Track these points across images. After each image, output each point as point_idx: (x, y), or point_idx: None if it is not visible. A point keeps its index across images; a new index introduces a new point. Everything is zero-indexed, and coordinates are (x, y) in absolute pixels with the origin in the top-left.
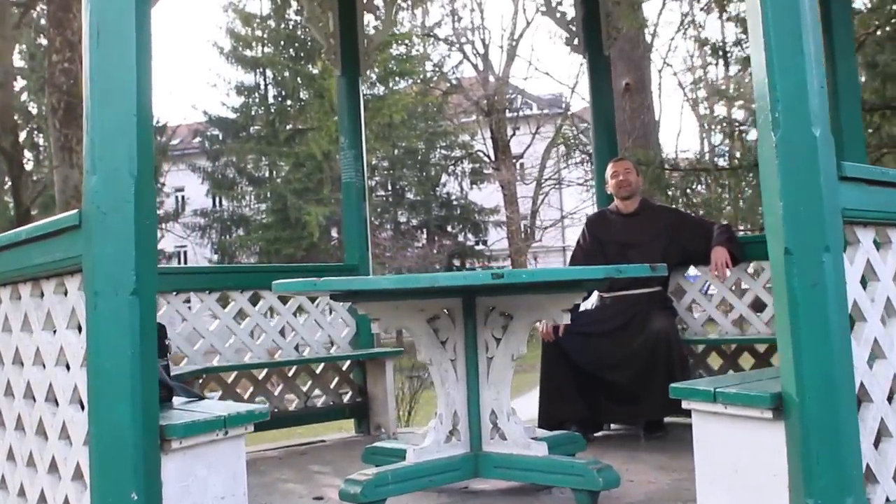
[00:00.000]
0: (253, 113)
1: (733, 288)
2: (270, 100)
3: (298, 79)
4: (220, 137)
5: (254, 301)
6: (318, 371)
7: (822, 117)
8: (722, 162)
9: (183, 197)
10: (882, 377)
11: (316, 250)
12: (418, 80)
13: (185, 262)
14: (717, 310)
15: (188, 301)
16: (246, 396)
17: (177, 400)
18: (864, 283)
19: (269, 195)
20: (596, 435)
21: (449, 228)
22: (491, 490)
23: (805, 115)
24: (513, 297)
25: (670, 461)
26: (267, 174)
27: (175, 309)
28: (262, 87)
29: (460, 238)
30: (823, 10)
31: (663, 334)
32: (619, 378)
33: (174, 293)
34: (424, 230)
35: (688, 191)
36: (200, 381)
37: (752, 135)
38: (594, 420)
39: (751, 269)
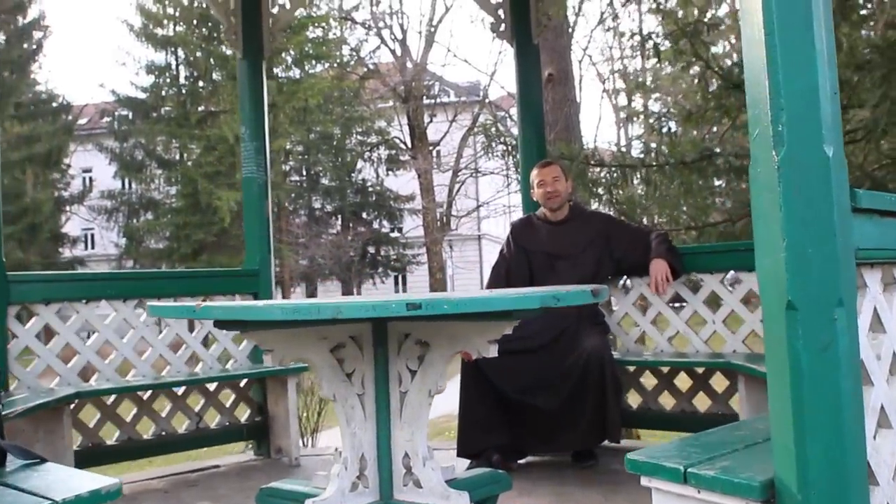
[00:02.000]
0: (163, 93)
1: (676, 305)
2: (182, 80)
3: (211, 59)
4: (129, 118)
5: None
6: (211, 389)
7: (836, 132)
8: (636, 153)
9: (90, 178)
10: (887, 452)
11: (227, 236)
12: (335, 64)
13: (93, 247)
14: (652, 325)
15: (60, 312)
16: (129, 419)
17: (10, 463)
18: None
19: (179, 178)
20: (520, 462)
21: (364, 215)
22: None
23: (816, 128)
24: (431, 324)
25: (605, 501)
26: (177, 157)
27: (45, 322)
28: (174, 66)
29: (375, 225)
30: None
31: (595, 354)
32: (546, 403)
33: (44, 303)
34: (339, 216)
35: (611, 189)
36: (72, 405)
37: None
38: (517, 448)
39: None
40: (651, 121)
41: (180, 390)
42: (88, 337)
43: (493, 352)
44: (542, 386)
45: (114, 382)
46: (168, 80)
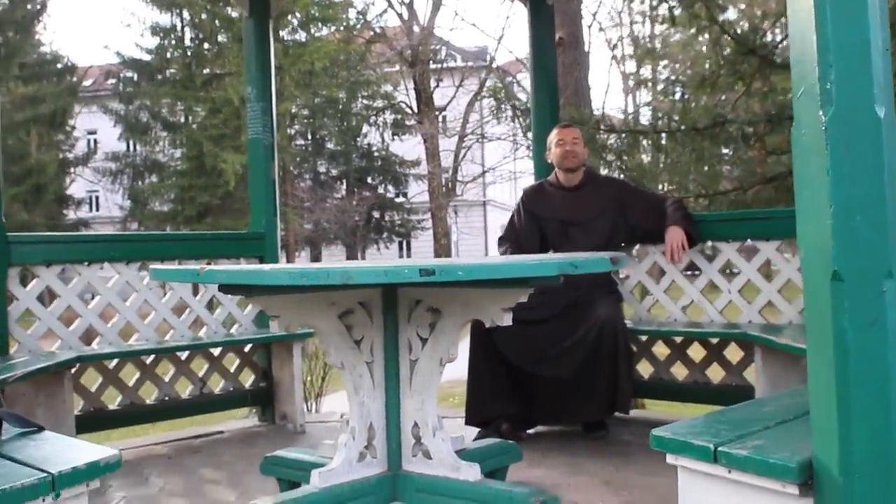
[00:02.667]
0: (168, 55)
1: (689, 273)
2: (187, 42)
3: (216, 21)
4: (135, 80)
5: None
6: (216, 354)
7: (888, 91)
8: (646, 121)
9: (95, 140)
10: None
11: (232, 199)
12: (341, 28)
13: (97, 209)
14: (665, 294)
15: (61, 274)
16: (131, 384)
17: (6, 432)
18: None
19: (184, 141)
20: (529, 432)
21: (369, 180)
22: None
23: (867, 86)
24: (444, 290)
25: (617, 474)
26: (182, 119)
27: (46, 284)
28: (179, 28)
29: (380, 190)
30: None
31: (609, 323)
32: (557, 374)
33: (45, 265)
34: (344, 181)
35: (621, 155)
36: (74, 369)
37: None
38: (527, 417)
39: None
40: (662, 87)
41: (184, 355)
42: (91, 300)
43: (507, 320)
44: (552, 356)
45: (116, 346)
46: (173, 42)
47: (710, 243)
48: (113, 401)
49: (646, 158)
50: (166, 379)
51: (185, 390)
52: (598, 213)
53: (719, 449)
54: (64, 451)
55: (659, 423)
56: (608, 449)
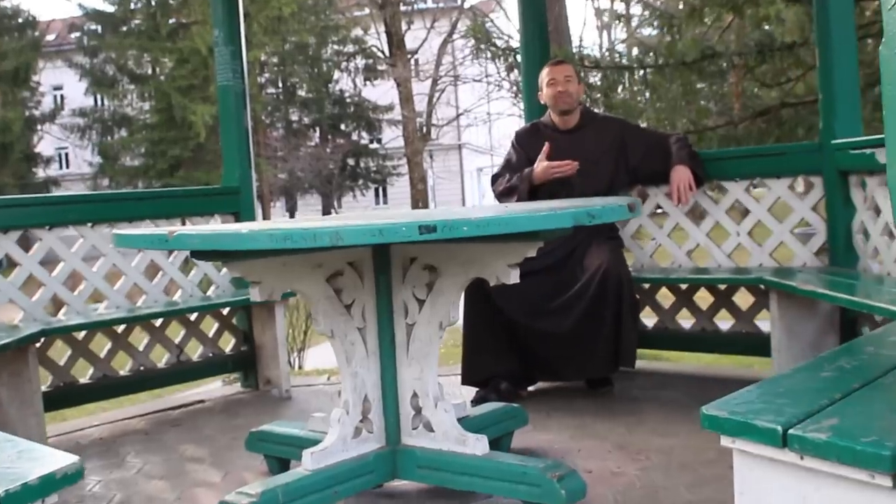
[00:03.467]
0: (132, 6)
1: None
2: None
3: None
4: (99, 32)
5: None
6: (192, 318)
7: None
8: (622, 58)
9: (61, 96)
10: None
11: (203, 151)
12: None
13: (67, 166)
14: (669, 238)
15: (20, 240)
16: (103, 355)
17: None
18: None
19: (152, 93)
20: (529, 389)
21: (343, 127)
22: (413, 491)
23: None
24: (441, 247)
25: (628, 435)
26: (149, 71)
27: (5, 252)
28: None
29: (354, 137)
30: None
31: (612, 272)
32: (557, 327)
33: (2, 231)
34: (317, 129)
35: (607, 92)
36: (39, 344)
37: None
38: (526, 374)
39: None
40: (639, 21)
41: (158, 321)
42: (55, 266)
43: (514, 277)
44: (552, 309)
45: (84, 316)
46: None
47: (715, 182)
48: (84, 374)
49: (633, 95)
50: (140, 348)
51: (162, 359)
52: (598, 156)
53: (790, 432)
54: (13, 461)
55: (667, 376)
56: (616, 407)
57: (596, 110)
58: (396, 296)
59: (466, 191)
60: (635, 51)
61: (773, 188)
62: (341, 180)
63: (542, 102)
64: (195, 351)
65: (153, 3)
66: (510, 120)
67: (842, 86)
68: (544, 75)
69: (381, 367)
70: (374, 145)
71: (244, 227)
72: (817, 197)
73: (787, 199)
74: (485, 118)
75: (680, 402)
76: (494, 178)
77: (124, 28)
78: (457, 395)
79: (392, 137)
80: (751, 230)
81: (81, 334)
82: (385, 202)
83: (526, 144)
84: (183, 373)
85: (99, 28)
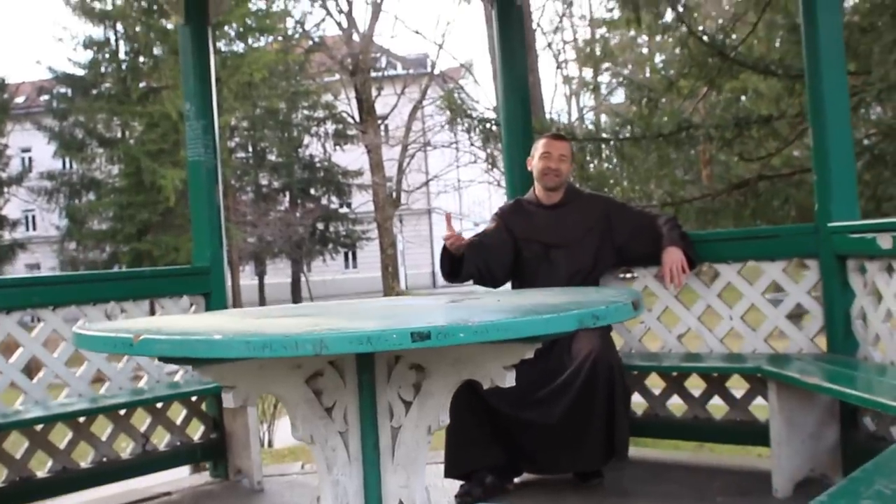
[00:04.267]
0: (103, 70)
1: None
2: (122, 55)
3: (151, 33)
4: (68, 95)
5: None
6: (159, 405)
7: None
8: (591, 125)
9: (29, 158)
10: None
11: (172, 215)
12: (279, 38)
13: (34, 229)
14: (658, 322)
15: None
16: (62, 446)
17: None
18: None
19: (121, 157)
20: (515, 481)
21: (312, 191)
22: None
23: None
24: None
25: None
26: (119, 135)
27: None
28: (113, 41)
29: (324, 201)
30: None
31: (602, 359)
32: (545, 417)
33: None
34: (287, 193)
35: (582, 165)
36: None
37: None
38: (513, 466)
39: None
40: (608, 91)
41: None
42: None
43: (509, 380)
44: (539, 398)
45: (43, 407)
46: (107, 56)
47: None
48: (42, 467)
49: (608, 166)
50: (103, 438)
51: (126, 449)
52: (582, 235)
53: None
54: None
55: (660, 466)
56: (607, 501)
57: (580, 187)
58: (381, 397)
59: (436, 256)
60: (604, 118)
61: (767, 271)
62: (311, 245)
63: (529, 169)
64: (162, 439)
65: (123, 67)
66: (481, 187)
67: (837, 166)
68: (540, 146)
69: (364, 473)
70: (344, 210)
71: (217, 329)
72: (813, 281)
73: (781, 282)
74: (455, 184)
75: (676, 497)
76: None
77: (94, 91)
78: (440, 487)
79: (362, 202)
80: (744, 314)
81: (40, 425)
82: (355, 266)
83: (508, 218)
84: (149, 463)
85: (69, 91)
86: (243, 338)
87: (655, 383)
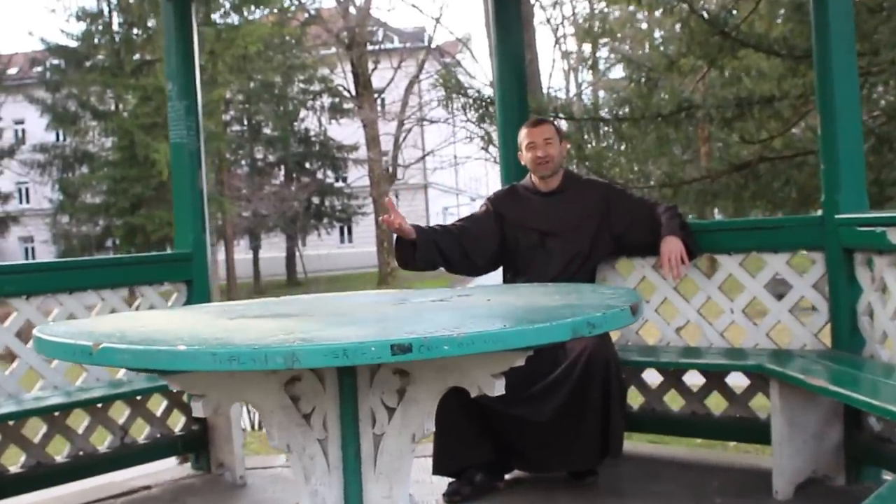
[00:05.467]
0: (96, 41)
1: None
2: (115, 27)
3: (145, 5)
4: (61, 67)
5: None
6: (138, 396)
7: None
8: (588, 101)
9: (22, 130)
10: None
11: (165, 189)
12: (275, 10)
13: (28, 202)
14: (656, 314)
15: None
16: (37, 440)
17: None
18: None
19: (114, 130)
20: (507, 478)
21: (308, 165)
22: None
23: None
24: None
25: None
26: (112, 108)
27: None
28: (106, 13)
29: (319, 175)
30: None
31: (598, 354)
32: (537, 414)
33: None
34: (282, 167)
35: (581, 145)
36: None
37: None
38: (503, 464)
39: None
40: (606, 66)
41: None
42: None
43: (498, 388)
44: (531, 394)
45: (17, 402)
46: (101, 28)
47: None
48: (16, 462)
49: (605, 146)
50: (80, 431)
51: (104, 442)
52: (579, 222)
53: None
54: None
55: (657, 463)
56: (602, 501)
57: (577, 171)
58: (363, 402)
59: None
60: (602, 94)
61: (770, 263)
62: (306, 219)
63: (523, 163)
64: (141, 432)
65: (117, 39)
66: (478, 163)
67: (846, 155)
68: (523, 136)
69: (344, 483)
70: (340, 184)
71: (185, 335)
72: (819, 274)
73: (785, 275)
74: (451, 160)
75: (674, 497)
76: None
77: (87, 63)
78: (428, 483)
79: (358, 176)
80: (745, 307)
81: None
82: (350, 241)
83: (500, 204)
84: (128, 457)
85: (62, 63)
86: (209, 349)
87: (653, 377)
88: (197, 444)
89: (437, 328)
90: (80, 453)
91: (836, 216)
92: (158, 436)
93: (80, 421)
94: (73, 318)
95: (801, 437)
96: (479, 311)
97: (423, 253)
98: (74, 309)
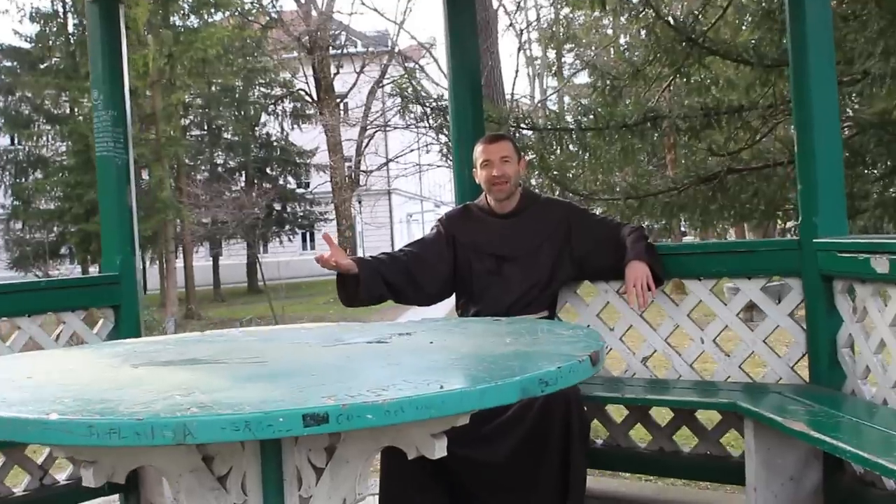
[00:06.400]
0: (51, 43)
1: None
2: (70, 28)
3: None
4: (15, 69)
5: None
6: None
7: None
8: (553, 105)
9: None
10: None
11: None
12: (235, 13)
13: None
14: (621, 342)
15: None
16: None
17: None
18: None
19: (69, 134)
20: None
21: (269, 171)
22: None
23: None
24: None
25: None
26: (67, 111)
27: None
28: (61, 14)
29: (280, 181)
30: None
31: (557, 392)
32: (491, 455)
33: None
34: (243, 173)
35: (543, 155)
36: None
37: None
38: None
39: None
40: (571, 72)
41: None
42: None
43: (439, 450)
44: (484, 434)
45: None
46: (55, 29)
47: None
48: None
49: (569, 157)
50: None
51: (20, 484)
52: (538, 244)
53: None
54: None
55: (620, 501)
56: None
57: (540, 193)
58: (287, 461)
59: (396, 237)
60: (567, 100)
61: (743, 289)
62: (267, 226)
63: (477, 181)
64: (63, 471)
65: (72, 41)
66: (441, 170)
67: (825, 175)
68: (478, 154)
69: None
70: (301, 190)
71: (65, 398)
72: (795, 302)
73: (759, 302)
74: (415, 167)
75: None
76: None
77: (42, 66)
78: None
79: (320, 183)
80: (716, 337)
81: None
82: (312, 248)
83: (453, 226)
84: (47, 499)
85: (15, 65)
86: (85, 420)
87: (618, 412)
88: (125, 485)
89: (361, 388)
90: None
91: (815, 240)
92: (81, 476)
93: None
94: None
95: (777, 481)
96: (417, 359)
97: (368, 288)
98: None
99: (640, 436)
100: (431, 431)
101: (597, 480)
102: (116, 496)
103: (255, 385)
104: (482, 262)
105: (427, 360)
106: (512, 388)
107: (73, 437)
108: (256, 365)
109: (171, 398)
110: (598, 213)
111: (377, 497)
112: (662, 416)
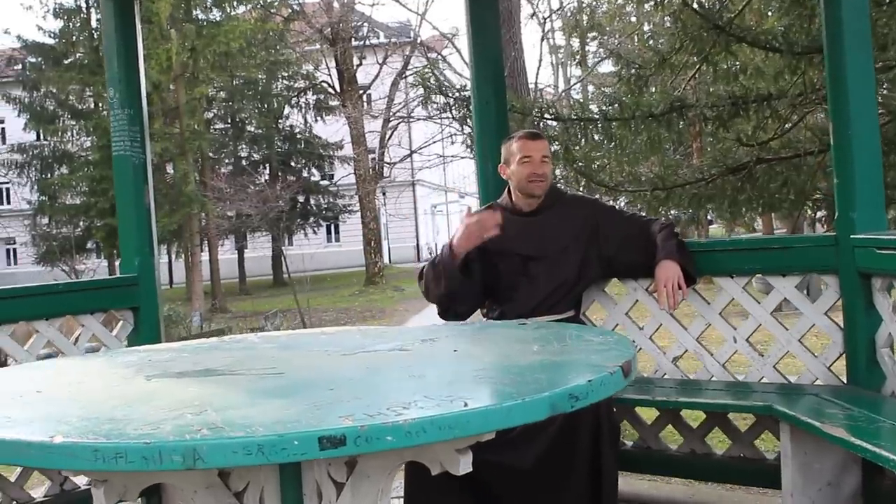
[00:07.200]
0: (74, 38)
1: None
2: (94, 24)
3: None
4: (39, 65)
5: None
6: None
7: None
8: (577, 94)
9: (2, 130)
10: None
11: None
12: (257, 6)
13: (8, 202)
14: (651, 342)
15: None
16: None
17: None
18: None
19: (94, 129)
20: None
21: (293, 164)
22: None
23: None
24: None
25: None
26: (91, 106)
27: None
28: (84, 9)
29: (304, 174)
30: None
31: None
32: (519, 460)
33: None
34: (267, 166)
35: (568, 146)
36: None
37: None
38: None
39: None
40: (596, 60)
41: None
42: None
43: (464, 465)
44: (512, 438)
45: None
46: (78, 24)
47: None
48: None
49: (595, 147)
50: (12, 479)
51: (41, 490)
52: (565, 243)
53: None
54: None
55: None
56: None
57: (565, 190)
58: (307, 475)
59: (420, 229)
60: (591, 89)
61: (777, 287)
62: (291, 219)
63: (506, 178)
64: (82, 477)
65: (96, 35)
66: (465, 161)
67: (862, 168)
68: (516, 149)
69: None
70: (325, 182)
71: (72, 416)
72: (832, 300)
73: (794, 300)
74: (439, 158)
75: None
76: (433, 265)
77: (66, 61)
78: None
79: (344, 175)
80: (749, 336)
81: None
82: (337, 240)
83: None
84: None
85: (39, 61)
86: (90, 445)
87: (649, 414)
88: (149, 488)
89: (381, 406)
90: (14, 503)
91: (852, 236)
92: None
93: (10, 466)
94: None
95: (815, 486)
96: (440, 371)
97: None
98: (2, 344)
99: (671, 437)
100: (456, 447)
101: (627, 483)
102: (139, 500)
103: (269, 402)
104: (508, 263)
105: (450, 371)
106: (540, 404)
107: (78, 462)
108: (272, 377)
109: (182, 417)
110: (625, 209)
111: (402, 500)
112: (694, 417)
